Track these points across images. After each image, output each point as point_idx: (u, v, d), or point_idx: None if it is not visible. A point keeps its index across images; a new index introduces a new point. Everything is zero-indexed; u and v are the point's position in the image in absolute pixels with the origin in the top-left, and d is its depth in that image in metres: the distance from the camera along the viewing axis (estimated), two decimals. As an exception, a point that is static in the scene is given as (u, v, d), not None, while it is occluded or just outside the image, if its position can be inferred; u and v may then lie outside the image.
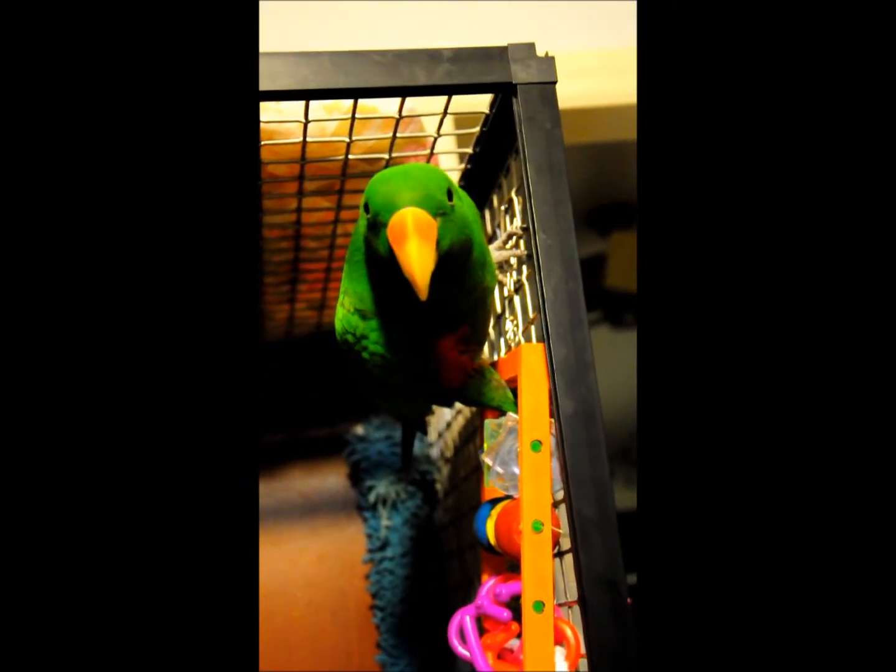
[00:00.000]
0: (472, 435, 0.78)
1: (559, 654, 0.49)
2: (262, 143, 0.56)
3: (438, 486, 0.94)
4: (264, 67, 0.50)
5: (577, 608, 0.48)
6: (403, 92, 0.52)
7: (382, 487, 0.92)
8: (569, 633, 0.50)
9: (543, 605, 0.49)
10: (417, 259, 0.44)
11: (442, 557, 0.92)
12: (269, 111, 0.57)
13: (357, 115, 0.55)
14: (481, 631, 0.56)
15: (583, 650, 0.48)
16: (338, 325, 0.56)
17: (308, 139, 0.57)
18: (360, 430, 0.95)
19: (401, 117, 0.57)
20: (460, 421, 0.83)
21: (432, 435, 0.96)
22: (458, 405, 0.83)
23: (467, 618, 0.55)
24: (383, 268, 0.48)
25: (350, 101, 0.54)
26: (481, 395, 0.57)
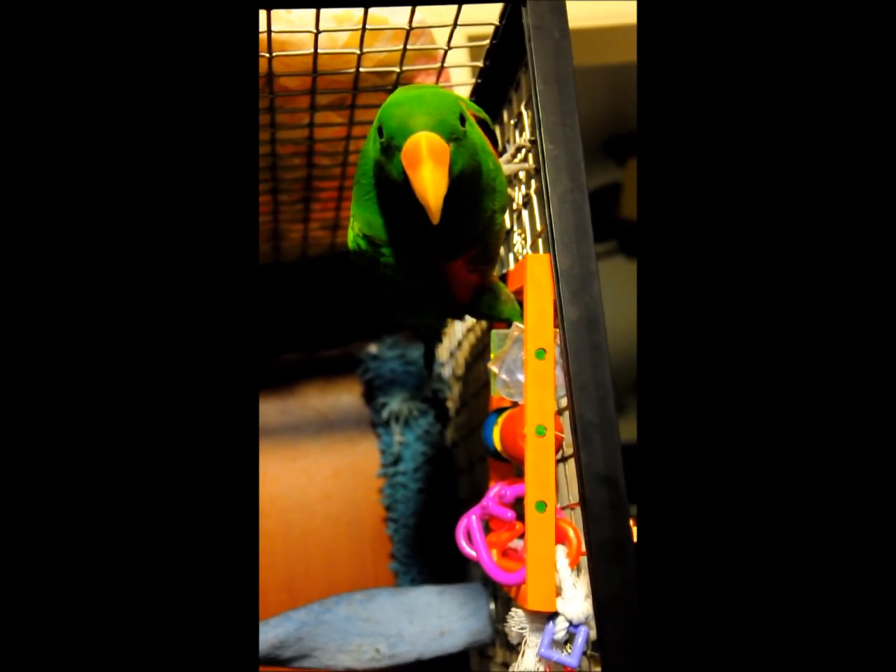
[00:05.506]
0: (481, 354, 0.79)
1: (560, 552, 0.51)
2: (274, 54, 0.57)
3: (450, 404, 0.97)
4: (274, -25, 0.50)
5: (578, 511, 0.49)
6: (413, 0, 0.52)
7: (395, 404, 0.95)
8: (570, 532, 0.51)
9: (545, 504, 0.51)
10: (431, 182, 0.44)
11: (453, 472, 0.95)
12: (280, 21, 0.57)
13: (367, 26, 0.55)
14: (487, 531, 0.59)
15: (583, 549, 0.49)
16: (350, 244, 0.57)
17: (319, 51, 0.57)
18: (373, 348, 0.97)
19: (411, 28, 0.57)
20: (471, 339, 0.85)
21: (444, 355, 0.98)
22: (468, 322, 0.85)
23: (473, 518, 0.57)
24: (395, 192, 0.48)
25: (360, 12, 0.54)
26: (491, 308, 0.59)
